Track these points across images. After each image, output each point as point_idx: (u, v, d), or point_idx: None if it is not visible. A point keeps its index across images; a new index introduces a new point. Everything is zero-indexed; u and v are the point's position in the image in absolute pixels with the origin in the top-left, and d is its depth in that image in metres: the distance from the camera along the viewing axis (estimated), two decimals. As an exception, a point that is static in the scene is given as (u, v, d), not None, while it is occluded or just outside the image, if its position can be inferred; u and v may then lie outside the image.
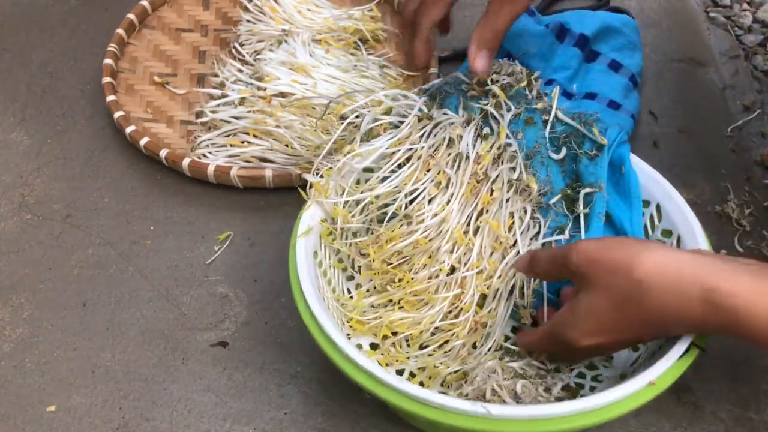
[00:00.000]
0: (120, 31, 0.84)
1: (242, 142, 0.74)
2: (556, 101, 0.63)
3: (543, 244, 0.59)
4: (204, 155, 0.74)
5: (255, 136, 0.73)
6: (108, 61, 0.81)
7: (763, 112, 0.81)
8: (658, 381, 0.47)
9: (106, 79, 0.79)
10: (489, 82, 0.63)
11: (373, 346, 0.60)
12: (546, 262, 0.52)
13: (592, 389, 0.56)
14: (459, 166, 0.60)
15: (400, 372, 0.58)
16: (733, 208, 0.71)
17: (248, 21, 0.86)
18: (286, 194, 0.73)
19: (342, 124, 0.75)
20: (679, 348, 0.49)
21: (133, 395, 0.61)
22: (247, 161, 0.74)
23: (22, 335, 0.65)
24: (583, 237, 0.59)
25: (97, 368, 0.62)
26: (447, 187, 0.60)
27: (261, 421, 0.59)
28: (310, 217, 0.59)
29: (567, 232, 0.59)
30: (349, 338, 0.59)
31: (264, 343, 0.63)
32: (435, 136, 0.62)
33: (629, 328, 0.48)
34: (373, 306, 0.61)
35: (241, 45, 0.84)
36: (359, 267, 0.63)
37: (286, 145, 0.72)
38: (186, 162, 0.72)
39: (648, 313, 0.46)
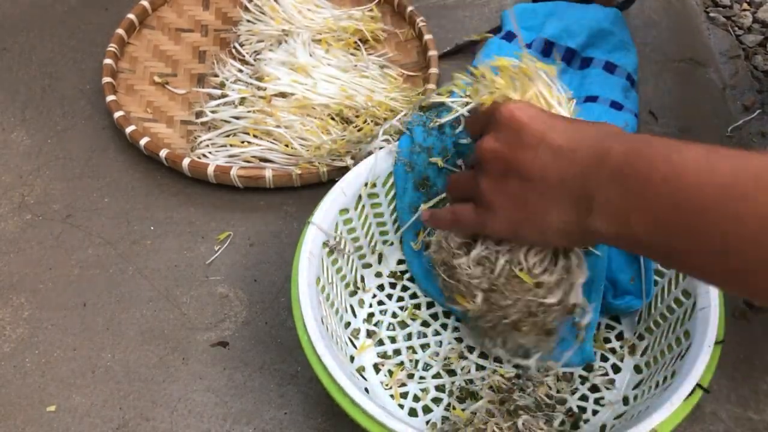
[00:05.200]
0: (120, 31, 0.84)
1: (242, 142, 0.74)
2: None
3: None
4: (204, 155, 0.74)
5: (255, 136, 0.73)
6: (108, 61, 0.81)
7: (763, 112, 0.81)
8: (660, 427, 0.46)
9: (106, 79, 0.79)
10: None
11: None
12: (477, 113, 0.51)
13: (595, 413, 0.56)
14: None
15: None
16: (733, 208, 0.71)
17: (248, 21, 0.86)
18: (286, 194, 0.73)
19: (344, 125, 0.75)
20: (684, 390, 0.47)
21: (133, 395, 0.61)
22: (247, 161, 0.74)
23: (22, 335, 0.65)
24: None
25: (97, 368, 0.62)
26: None
27: (261, 421, 0.59)
28: (311, 242, 0.57)
29: None
30: (353, 360, 0.59)
31: (264, 343, 0.63)
32: None
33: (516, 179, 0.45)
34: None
35: (241, 45, 0.84)
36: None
37: (286, 145, 0.72)
38: (186, 162, 0.72)
39: (536, 160, 0.44)
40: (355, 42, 0.83)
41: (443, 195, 0.60)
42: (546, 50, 0.81)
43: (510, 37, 0.83)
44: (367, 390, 0.57)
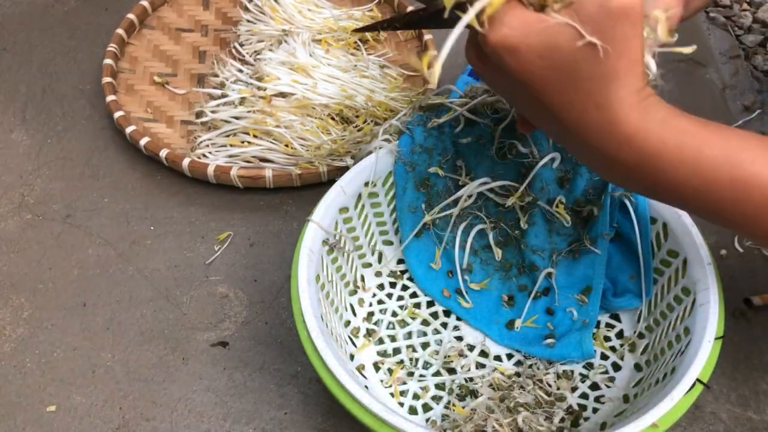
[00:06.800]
0: (120, 31, 0.84)
1: (242, 142, 0.74)
2: None
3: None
4: (204, 155, 0.74)
5: (255, 136, 0.73)
6: (108, 61, 0.81)
7: (763, 112, 0.81)
8: (660, 422, 0.46)
9: (106, 79, 0.79)
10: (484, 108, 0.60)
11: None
12: None
13: (595, 411, 0.56)
14: None
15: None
16: (733, 208, 0.71)
17: (248, 21, 0.86)
18: (286, 194, 0.73)
19: (343, 124, 0.75)
20: (684, 385, 0.47)
21: (133, 395, 0.61)
22: (247, 161, 0.74)
23: (22, 335, 0.65)
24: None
25: (97, 368, 0.62)
26: None
27: (261, 421, 0.59)
28: (311, 239, 0.56)
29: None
30: (353, 358, 0.59)
31: (264, 343, 0.63)
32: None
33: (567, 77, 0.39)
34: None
35: (241, 45, 0.84)
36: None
37: (286, 145, 0.72)
38: (186, 162, 0.72)
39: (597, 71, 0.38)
40: (355, 42, 0.83)
41: (447, 201, 0.61)
42: None
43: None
44: (367, 388, 0.57)
